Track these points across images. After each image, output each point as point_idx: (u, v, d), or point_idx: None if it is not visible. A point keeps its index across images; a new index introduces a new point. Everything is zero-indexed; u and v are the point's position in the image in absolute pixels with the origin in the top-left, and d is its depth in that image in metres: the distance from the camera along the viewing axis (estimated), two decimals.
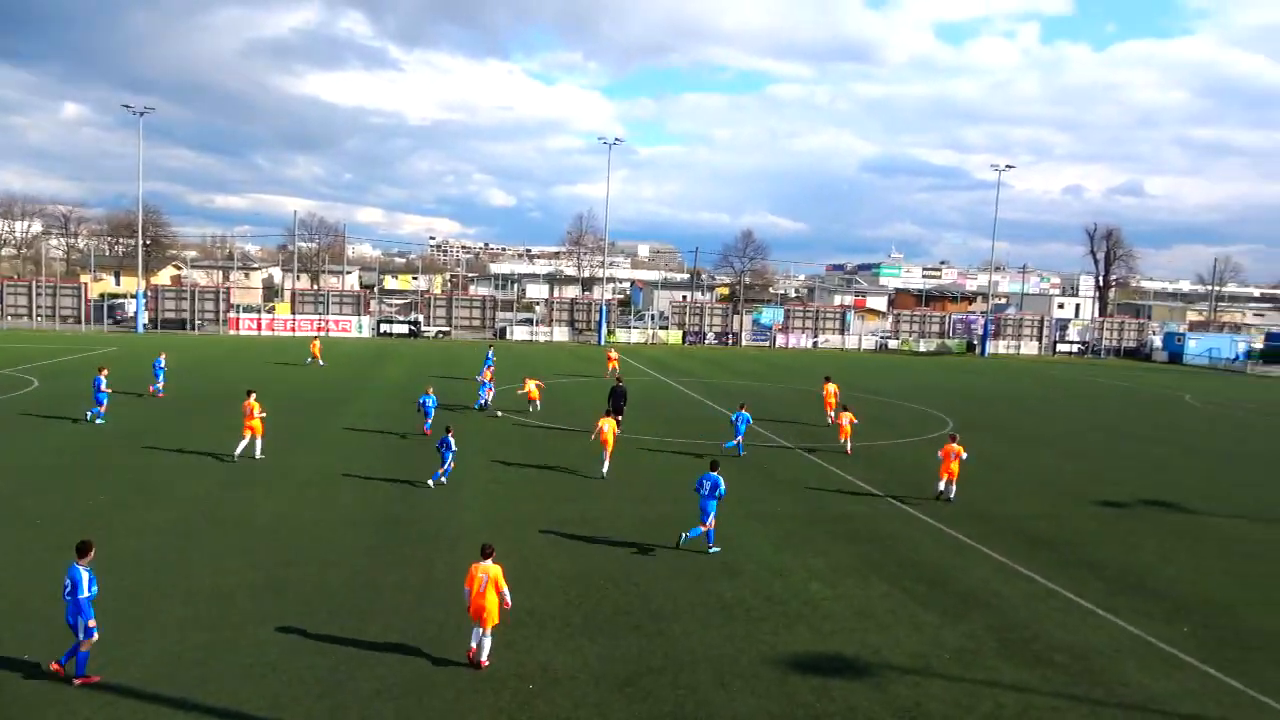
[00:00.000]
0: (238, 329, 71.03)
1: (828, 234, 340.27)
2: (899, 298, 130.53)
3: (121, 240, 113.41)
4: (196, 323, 71.19)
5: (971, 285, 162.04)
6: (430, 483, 21.04)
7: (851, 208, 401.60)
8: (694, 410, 36.27)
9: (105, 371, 28.87)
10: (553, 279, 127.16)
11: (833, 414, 32.61)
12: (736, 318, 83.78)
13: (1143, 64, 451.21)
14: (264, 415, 23.65)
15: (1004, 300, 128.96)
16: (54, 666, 11.03)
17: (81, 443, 24.74)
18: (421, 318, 76.71)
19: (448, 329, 76.16)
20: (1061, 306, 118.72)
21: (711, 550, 16.92)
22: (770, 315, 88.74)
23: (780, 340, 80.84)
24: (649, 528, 18.37)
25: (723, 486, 17.09)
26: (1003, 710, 11.20)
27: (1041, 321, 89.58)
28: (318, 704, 10.56)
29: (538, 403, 33.18)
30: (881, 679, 11.86)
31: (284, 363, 48.58)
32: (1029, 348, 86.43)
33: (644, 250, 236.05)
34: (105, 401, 28.30)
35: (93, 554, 11.36)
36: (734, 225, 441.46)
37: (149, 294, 72.68)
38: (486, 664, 11.71)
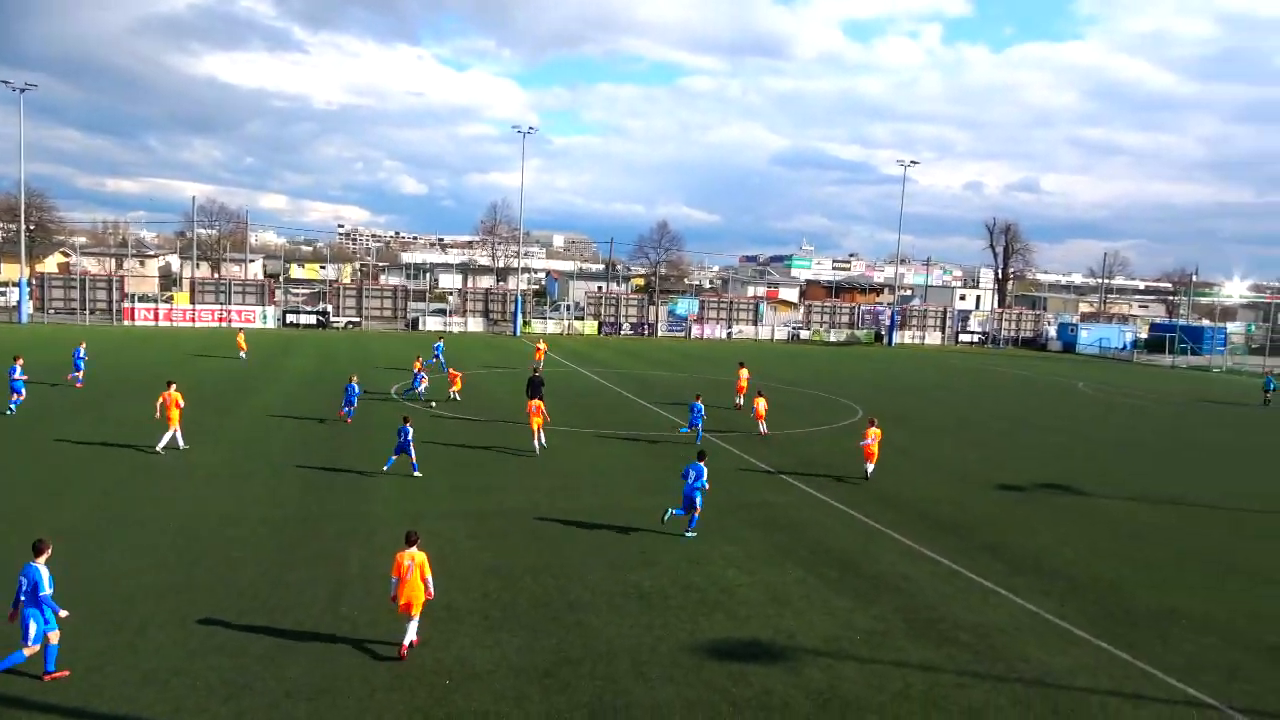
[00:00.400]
0: (133, 319, 67.78)
1: (740, 225, 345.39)
2: (810, 289, 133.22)
3: (1, 225, 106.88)
4: (88, 313, 67.72)
5: (879, 277, 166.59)
6: (385, 468, 21.30)
7: (763, 200, 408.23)
8: (610, 400, 36.34)
9: (21, 361, 28.22)
10: (466, 269, 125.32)
11: (741, 399, 34.30)
12: (652, 308, 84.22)
13: (1037, 66, 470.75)
14: (181, 406, 23.28)
15: (909, 292, 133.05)
16: (47, 678, 10.64)
17: None
18: (330, 308, 74.61)
19: (358, 319, 74.31)
20: (963, 298, 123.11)
21: (688, 535, 17.59)
22: (685, 306, 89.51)
23: (695, 331, 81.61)
24: (567, 518, 18.32)
25: (704, 477, 17.83)
26: (911, 689, 11.58)
27: (944, 312, 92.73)
28: (224, 707, 10.20)
29: (457, 393, 33.14)
30: (796, 663, 12.12)
31: (199, 355, 46.62)
32: (933, 338, 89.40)
33: (559, 240, 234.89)
34: (22, 390, 27.63)
35: (49, 552, 11.13)
36: (649, 216, 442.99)
37: (33, 282, 68.67)
38: (408, 650, 11.65)
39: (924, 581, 15.70)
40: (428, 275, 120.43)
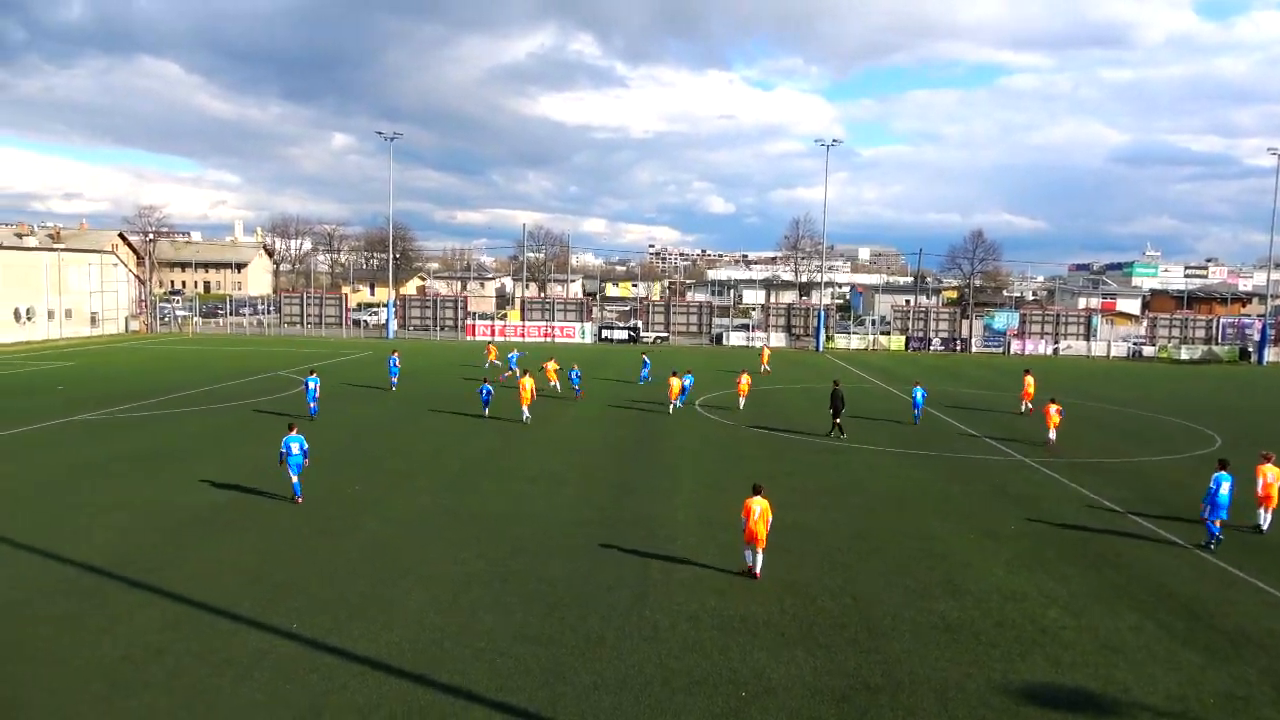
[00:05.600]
0: (474, 335, 76.37)
1: (1070, 232, 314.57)
2: (1155, 300, 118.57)
3: (376, 254, 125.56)
4: (438, 328, 77.49)
5: (1245, 285, 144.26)
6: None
7: (1098, 203, 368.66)
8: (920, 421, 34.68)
9: (398, 354, 39.60)
10: (770, 284, 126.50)
11: (1029, 404, 35.71)
12: (965, 322, 79.46)
13: None
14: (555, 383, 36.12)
15: None
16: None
17: (337, 436, 27.59)
18: (640, 324, 79.01)
19: (666, 334, 77.89)
20: None
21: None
22: (1004, 319, 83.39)
23: (1015, 346, 75.76)
24: (866, 539, 17.84)
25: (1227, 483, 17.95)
26: None
27: None
28: (540, 691, 11.12)
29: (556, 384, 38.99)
30: None
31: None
32: None
33: (864, 254, 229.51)
34: (396, 375, 38.84)
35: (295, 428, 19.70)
36: (964, 225, 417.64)
37: (398, 303, 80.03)
38: (760, 575, 15.06)
39: None
40: (732, 291, 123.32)
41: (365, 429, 29.32)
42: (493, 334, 74.87)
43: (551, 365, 40.15)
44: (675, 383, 34.65)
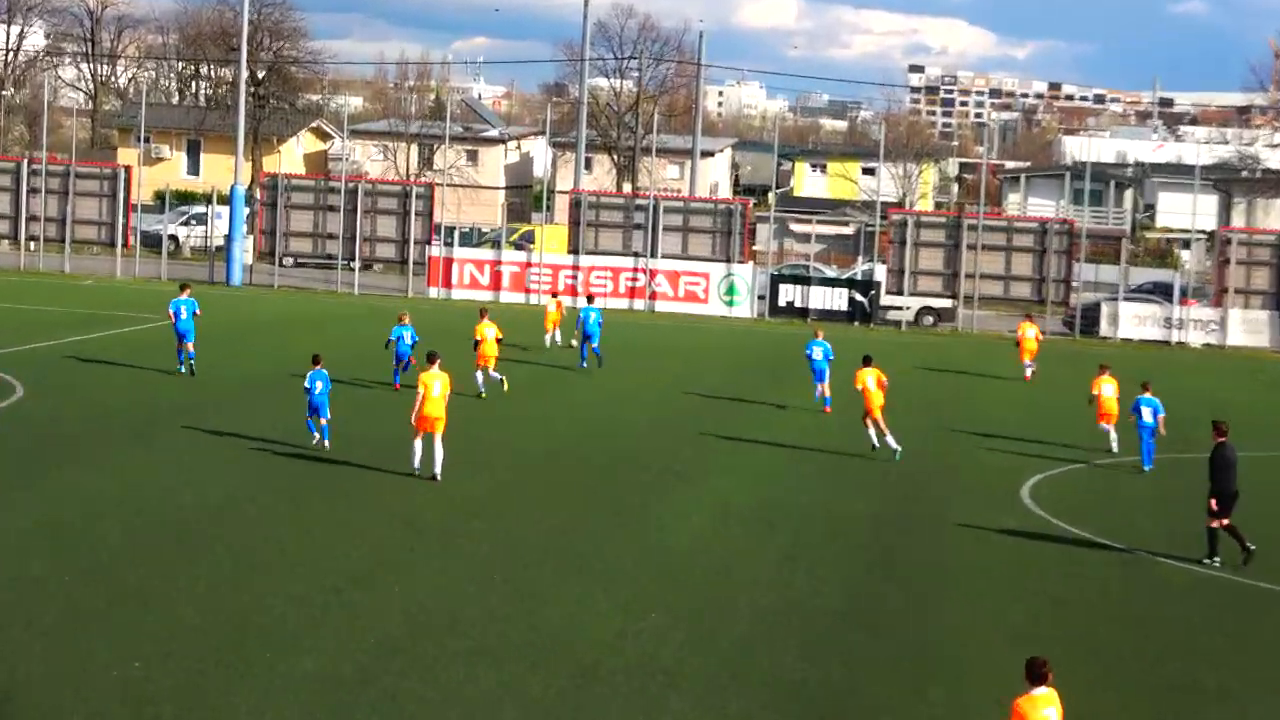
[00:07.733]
0: (448, 285, 57.68)
1: None
2: None
3: (210, 73, 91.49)
4: (355, 269, 58.13)
5: None
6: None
7: None
8: None
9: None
10: (1230, 180, 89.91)
11: None
12: None
13: None
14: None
15: None
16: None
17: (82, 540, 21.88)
18: (882, 268, 58.89)
19: (951, 296, 57.85)
20: None
21: None
22: None
23: None
24: None
25: None
26: None
27: None
28: None
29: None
30: None
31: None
32: None
33: None
34: (190, 335, 35.06)
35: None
36: None
37: (259, 196, 60.35)
38: None
39: None
40: (1128, 194, 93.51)
41: (148, 516, 22.82)
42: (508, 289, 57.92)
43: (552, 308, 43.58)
44: (868, 377, 28.80)
